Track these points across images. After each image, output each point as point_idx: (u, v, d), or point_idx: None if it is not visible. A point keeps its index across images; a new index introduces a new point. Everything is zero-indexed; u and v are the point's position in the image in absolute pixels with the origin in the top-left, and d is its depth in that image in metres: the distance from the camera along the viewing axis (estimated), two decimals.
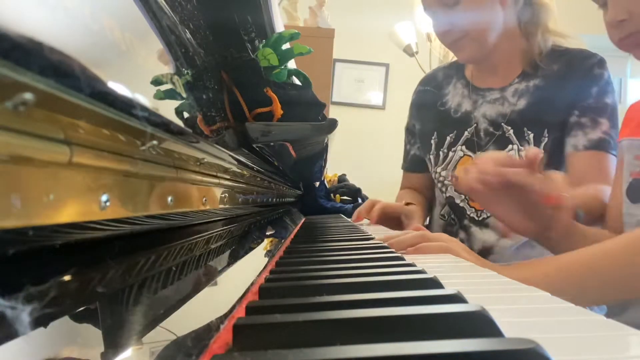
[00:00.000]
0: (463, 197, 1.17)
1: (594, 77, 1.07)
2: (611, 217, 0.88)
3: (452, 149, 1.19)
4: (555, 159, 1.08)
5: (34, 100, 0.14)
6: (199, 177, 0.37)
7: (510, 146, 1.11)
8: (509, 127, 1.11)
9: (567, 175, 1.07)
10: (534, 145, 1.09)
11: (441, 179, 1.21)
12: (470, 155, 1.16)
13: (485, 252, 1.11)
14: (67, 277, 0.21)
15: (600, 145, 1.04)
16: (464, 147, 1.17)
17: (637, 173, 0.79)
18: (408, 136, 1.34)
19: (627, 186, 0.81)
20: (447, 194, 1.20)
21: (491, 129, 1.14)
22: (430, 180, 1.27)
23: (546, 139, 1.08)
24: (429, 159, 1.25)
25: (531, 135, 1.09)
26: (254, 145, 0.57)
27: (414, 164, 1.32)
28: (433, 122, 1.24)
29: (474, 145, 1.16)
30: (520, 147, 1.10)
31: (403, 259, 0.47)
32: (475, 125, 1.16)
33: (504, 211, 0.74)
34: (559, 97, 1.08)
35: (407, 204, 1.24)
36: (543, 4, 1.12)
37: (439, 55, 2.93)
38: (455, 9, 1.07)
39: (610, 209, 0.90)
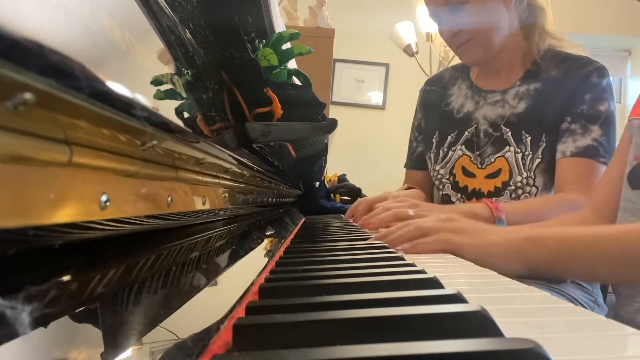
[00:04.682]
0: (459, 195, 1.18)
1: (589, 84, 1.07)
2: (599, 197, 0.87)
3: (452, 148, 1.21)
4: (553, 164, 1.09)
5: (34, 100, 0.14)
6: (199, 177, 0.37)
7: (507, 147, 1.12)
8: (507, 129, 1.13)
9: (555, 182, 1.07)
10: (532, 149, 1.10)
11: (439, 176, 1.22)
12: (469, 155, 1.17)
13: None
14: (67, 277, 0.21)
15: (587, 153, 1.04)
16: (463, 147, 1.19)
17: None
18: (415, 133, 1.35)
19: (629, 170, 0.78)
20: (443, 192, 1.22)
21: (490, 130, 1.15)
22: (431, 179, 1.29)
23: (544, 144, 1.09)
24: (429, 157, 1.27)
25: (529, 139, 1.10)
26: (254, 145, 0.57)
27: (418, 162, 1.32)
28: (436, 122, 1.26)
29: (473, 146, 1.18)
30: (517, 149, 1.11)
31: (403, 259, 0.47)
32: (475, 125, 1.17)
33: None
34: (555, 102, 1.09)
35: (409, 187, 1.26)
36: (540, 6, 1.13)
37: (439, 55, 2.93)
38: (461, 12, 1.08)
39: (600, 188, 0.89)
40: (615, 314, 0.81)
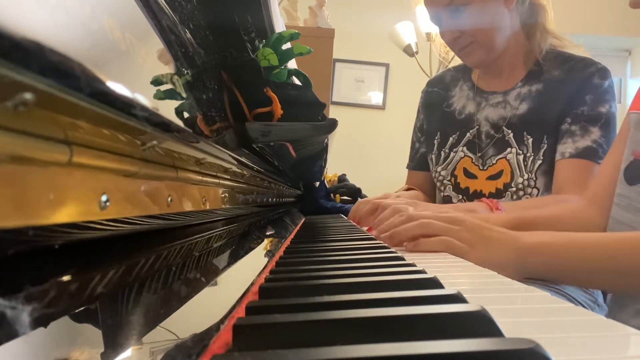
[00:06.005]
0: (460, 197, 1.18)
1: (591, 85, 1.07)
2: (595, 187, 0.88)
3: (454, 150, 1.21)
4: (554, 166, 1.09)
5: (34, 100, 0.14)
6: (199, 177, 0.37)
7: (509, 149, 1.12)
8: (509, 131, 1.12)
9: (553, 183, 1.07)
10: (533, 151, 1.09)
11: (440, 178, 1.22)
12: (470, 157, 1.17)
13: None
14: (67, 277, 0.21)
15: (586, 154, 1.04)
16: (464, 149, 1.19)
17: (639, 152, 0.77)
18: (417, 134, 1.35)
19: (626, 165, 0.78)
20: (445, 194, 1.21)
21: (492, 132, 1.15)
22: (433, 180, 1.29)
23: (545, 146, 1.08)
24: (431, 158, 1.27)
25: (530, 140, 1.10)
26: (254, 145, 0.57)
27: (420, 163, 1.32)
28: (438, 123, 1.26)
29: (475, 147, 1.18)
30: (518, 150, 1.11)
31: (403, 259, 0.46)
32: (477, 127, 1.17)
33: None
34: (556, 103, 1.09)
35: (409, 189, 1.26)
36: (541, 4, 1.13)
37: (439, 55, 2.93)
38: (463, 14, 1.07)
39: (596, 179, 0.90)
40: (612, 316, 0.81)
